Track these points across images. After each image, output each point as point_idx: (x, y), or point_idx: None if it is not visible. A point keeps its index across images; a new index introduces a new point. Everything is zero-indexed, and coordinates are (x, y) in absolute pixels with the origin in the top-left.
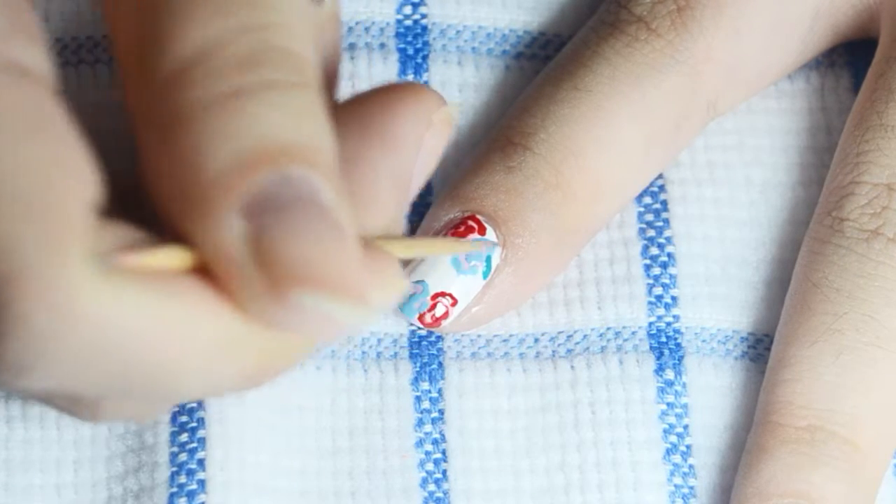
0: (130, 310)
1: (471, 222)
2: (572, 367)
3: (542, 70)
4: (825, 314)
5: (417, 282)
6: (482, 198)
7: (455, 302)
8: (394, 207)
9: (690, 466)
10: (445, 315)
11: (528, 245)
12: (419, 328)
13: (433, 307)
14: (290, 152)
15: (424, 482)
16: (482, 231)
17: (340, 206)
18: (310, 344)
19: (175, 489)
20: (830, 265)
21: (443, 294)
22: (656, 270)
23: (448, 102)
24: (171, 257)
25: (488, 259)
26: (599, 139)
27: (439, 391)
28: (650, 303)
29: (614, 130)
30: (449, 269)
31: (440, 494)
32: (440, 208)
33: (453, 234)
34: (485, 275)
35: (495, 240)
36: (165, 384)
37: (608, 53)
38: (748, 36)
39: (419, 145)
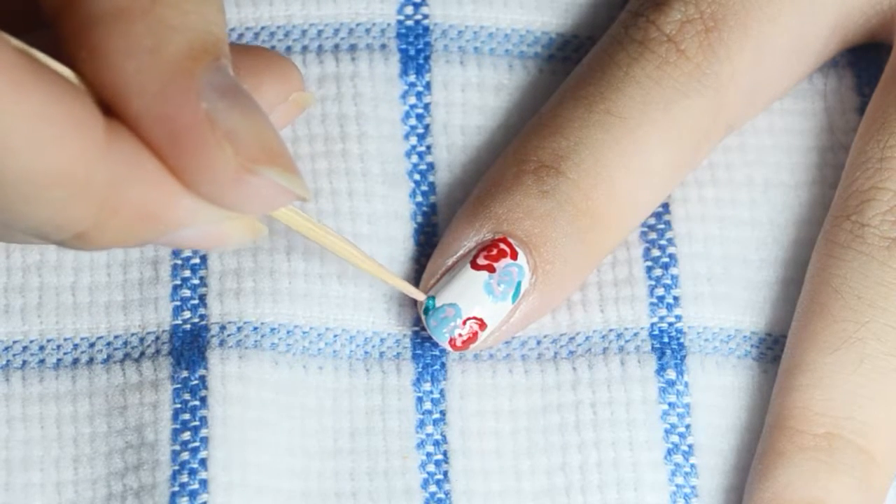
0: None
1: (503, 245)
2: (574, 368)
3: (566, 82)
4: (846, 321)
5: (449, 305)
6: (515, 221)
7: (484, 325)
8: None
9: (692, 466)
10: (475, 338)
11: (556, 270)
12: (423, 329)
13: (464, 331)
14: (220, 45)
15: (426, 483)
16: (514, 255)
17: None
18: (148, 227)
19: (177, 488)
20: (851, 271)
21: (473, 318)
22: (658, 272)
23: (307, 91)
24: (63, 70)
25: (518, 284)
26: (630, 165)
27: (441, 392)
28: (652, 304)
29: (644, 157)
30: (482, 294)
31: (441, 496)
32: (469, 225)
33: (486, 256)
34: (513, 298)
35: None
36: (8, 195)
37: (639, 76)
38: (770, 57)
39: (269, 112)
